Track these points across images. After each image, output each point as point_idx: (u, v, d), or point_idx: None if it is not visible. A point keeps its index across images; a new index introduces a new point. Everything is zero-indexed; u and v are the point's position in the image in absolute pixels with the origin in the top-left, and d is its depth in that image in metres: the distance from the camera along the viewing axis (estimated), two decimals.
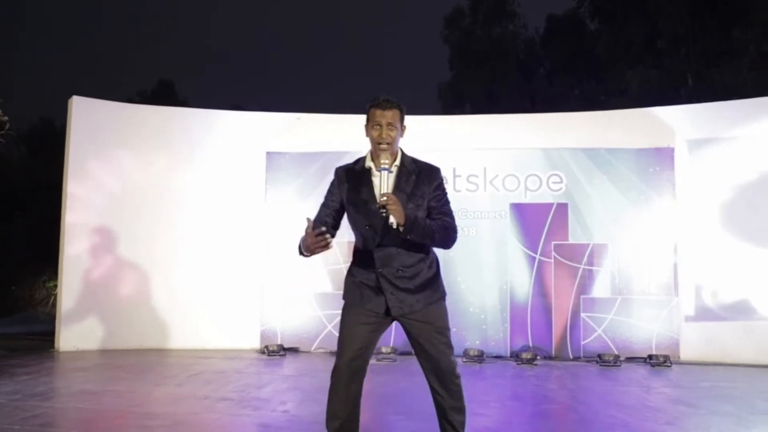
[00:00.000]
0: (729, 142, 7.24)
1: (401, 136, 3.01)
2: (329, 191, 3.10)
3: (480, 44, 22.41)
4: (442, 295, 3.06)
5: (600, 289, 7.18)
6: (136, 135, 7.80)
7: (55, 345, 7.35)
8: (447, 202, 3.05)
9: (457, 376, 3.02)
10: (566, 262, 7.24)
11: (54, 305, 8.96)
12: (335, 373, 2.94)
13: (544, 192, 7.38)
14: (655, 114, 7.66)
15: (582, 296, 7.18)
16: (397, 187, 2.91)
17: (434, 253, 3.08)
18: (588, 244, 7.24)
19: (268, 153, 7.76)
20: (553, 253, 7.26)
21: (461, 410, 3.05)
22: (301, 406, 4.70)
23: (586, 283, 7.20)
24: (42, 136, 17.13)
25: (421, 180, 2.96)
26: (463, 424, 3.06)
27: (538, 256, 7.28)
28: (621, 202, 7.26)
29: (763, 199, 7.03)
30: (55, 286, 8.75)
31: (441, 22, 23.26)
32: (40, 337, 8.11)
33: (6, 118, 6.54)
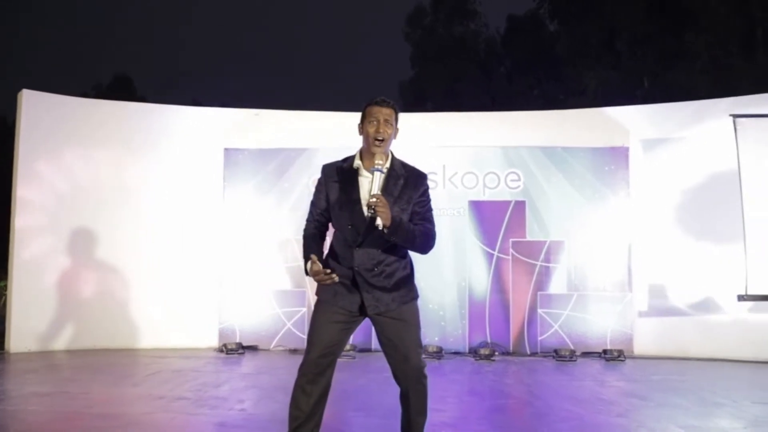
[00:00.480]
0: (681, 142, 7.44)
1: (394, 137, 3.05)
2: (317, 190, 3.10)
3: (441, 42, 22.55)
4: (416, 295, 3.10)
5: (557, 285, 7.30)
6: (91, 131, 7.60)
7: (5, 346, 7.14)
8: (430, 209, 3.08)
9: (425, 377, 3.04)
10: (524, 259, 7.35)
11: (4, 306, 8.70)
12: (302, 368, 2.95)
13: (502, 190, 7.48)
14: (610, 114, 7.83)
15: (539, 292, 7.30)
16: (386, 189, 2.92)
17: (410, 256, 3.12)
18: (545, 242, 7.36)
19: (226, 149, 7.68)
20: (511, 250, 7.36)
21: (423, 412, 3.06)
22: (259, 405, 4.68)
23: (543, 279, 7.32)
24: None
25: (409, 185, 3.00)
26: (422, 426, 3.08)
27: (496, 253, 7.37)
28: (577, 200, 7.39)
29: (712, 198, 7.24)
30: (5, 285, 8.50)
31: (403, 19, 23.34)
32: None
33: None
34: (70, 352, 7.07)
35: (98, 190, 7.53)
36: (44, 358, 6.79)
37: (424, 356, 6.79)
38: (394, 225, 2.81)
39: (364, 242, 2.92)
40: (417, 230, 2.95)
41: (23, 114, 7.39)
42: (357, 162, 3.03)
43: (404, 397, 3.04)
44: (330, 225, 3.09)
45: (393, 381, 5.65)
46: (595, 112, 8.02)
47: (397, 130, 3.06)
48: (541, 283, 7.31)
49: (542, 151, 7.53)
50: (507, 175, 7.50)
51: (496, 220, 7.41)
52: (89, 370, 6.07)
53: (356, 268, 2.93)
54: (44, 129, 7.44)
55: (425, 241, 3.00)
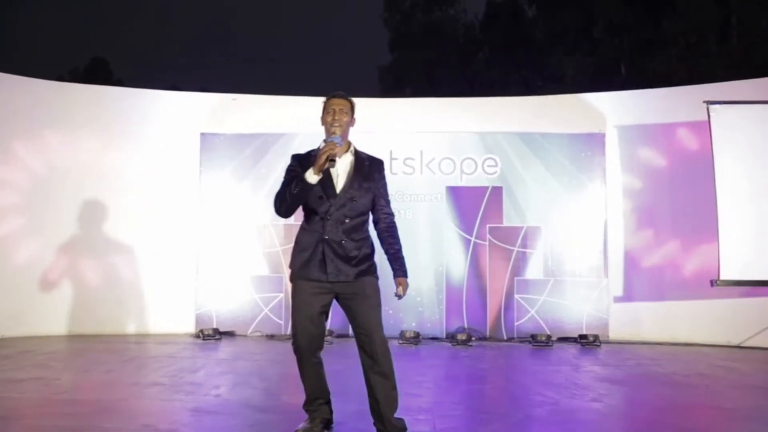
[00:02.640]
0: (657, 129, 7.50)
1: (351, 125, 3.44)
2: (291, 169, 3.36)
3: (420, 28, 22.46)
4: (376, 274, 3.40)
5: (533, 271, 7.35)
6: (67, 115, 7.49)
7: None
8: (388, 191, 3.55)
9: (389, 351, 3.30)
10: (501, 244, 7.38)
11: None
12: (298, 353, 3.33)
13: (479, 175, 7.49)
14: (587, 100, 7.86)
15: (516, 278, 7.34)
16: (357, 170, 3.35)
17: (371, 237, 3.44)
18: (522, 227, 7.39)
19: (202, 134, 7.59)
20: (488, 235, 7.39)
21: (393, 387, 3.28)
22: (234, 390, 4.65)
23: (519, 265, 7.36)
24: None
25: (373, 169, 3.42)
26: (391, 401, 3.26)
27: (473, 239, 7.39)
28: (554, 186, 7.43)
29: (686, 184, 7.32)
30: None
31: (381, 4, 23.19)
32: None
33: None
34: (44, 338, 6.97)
35: (73, 173, 7.42)
36: (17, 343, 6.68)
37: (401, 342, 6.90)
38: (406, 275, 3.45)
39: (334, 214, 3.25)
40: (400, 247, 3.48)
41: None
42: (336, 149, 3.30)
43: (371, 375, 3.25)
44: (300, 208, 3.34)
45: None
46: (573, 98, 8.06)
47: (353, 120, 3.47)
48: (518, 269, 7.35)
49: (519, 137, 7.54)
50: (484, 161, 7.50)
51: (473, 205, 7.42)
52: (63, 356, 6.01)
53: (325, 237, 3.24)
54: (17, 110, 7.32)
55: (400, 241, 3.53)
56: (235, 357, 6.10)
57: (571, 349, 6.79)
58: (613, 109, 7.69)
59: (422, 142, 7.54)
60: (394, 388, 3.28)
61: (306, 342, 3.29)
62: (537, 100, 8.32)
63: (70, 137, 7.48)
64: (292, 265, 3.35)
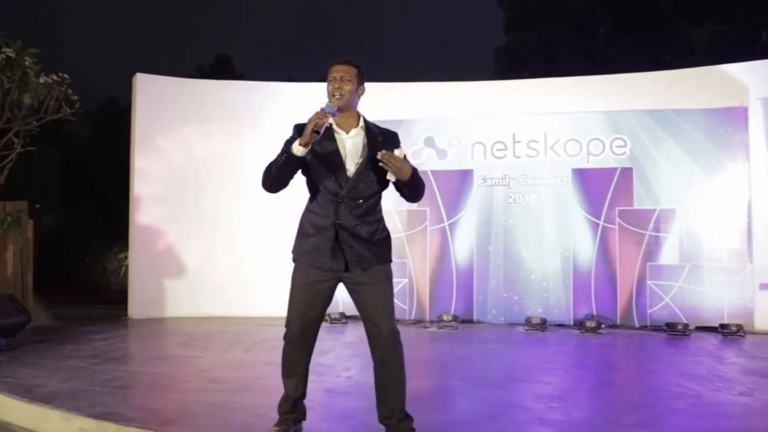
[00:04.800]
0: None
1: (358, 95, 3.04)
2: (289, 141, 3.02)
3: (536, 6, 21.76)
4: (391, 260, 3.09)
5: (667, 255, 6.96)
6: (199, 109, 7.97)
7: (128, 313, 7.66)
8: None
9: (400, 343, 2.98)
10: (631, 228, 7.04)
11: (125, 276, 9.31)
12: (287, 338, 3.10)
13: (607, 156, 7.17)
14: (725, 71, 7.30)
15: (648, 263, 6.98)
16: (370, 147, 2.96)
17: (384, 222, 3.11)
18: (654, 210, 7.01)
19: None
20: (618, 219, 7.07)
21: (399, 379, 2.99)
22: (364, 372, 4.73)
23: (652, 249, 6.99)
24: (107, 114, 17.63)
25: (386, 144, 2.97)
26: (402, 394, 2.99)
27: (601, 223, 7.10)
28: (689, 166, 6.98)
29: None
30: (126, 257, 9.08)
31: None
32: (114, 306, 8.47)
33: (76, 97, 6.77)
34: (184, 319, 7.47)
35: (206, 164, 7.91)
36: (161, 324, 7.22)
37: (526, 328, 6.79)
38: (415, 173, 2.90)
39: (346, 196, 2.93)
40: (419, 176, 2.98)
41: (138, 95, 7.90)
42: (330, 120, 2.94)
43: (378, 363, 2.99)
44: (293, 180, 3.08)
45: (496, 353, 5.61)
46: (709, 71, 7.51)
47: (362, 89, 3.06)
48: (651, 254, 6.98)
49: (650, 114, 7.14)
50: (612, 141, 7.17)
51: (601, 188, 7.12)
52: (202, 336, 6.39)
53: (338, 222, 2.94)
54: (157, 107, 7.90)
55: (423, 185, 3.04)
56: (362, 340, 6.15)
57: (712, 339, 6.37)
58: (756, 80, 7.09)
59: (546, 123, 7.32)
60: (402, 381, 2.99)
61: (299, 331, 3.05)
62: (667, 74, 7.80)
63: (202, 130, 7.95)
64: (295, 251, 3.09)
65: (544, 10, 21.75)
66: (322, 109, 2.84)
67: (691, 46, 17.89)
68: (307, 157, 2.97)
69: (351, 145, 2.98)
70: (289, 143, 2.98)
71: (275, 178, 3.01)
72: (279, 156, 2.96)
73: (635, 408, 3.84)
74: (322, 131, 2.83)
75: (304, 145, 2.85)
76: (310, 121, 2.82)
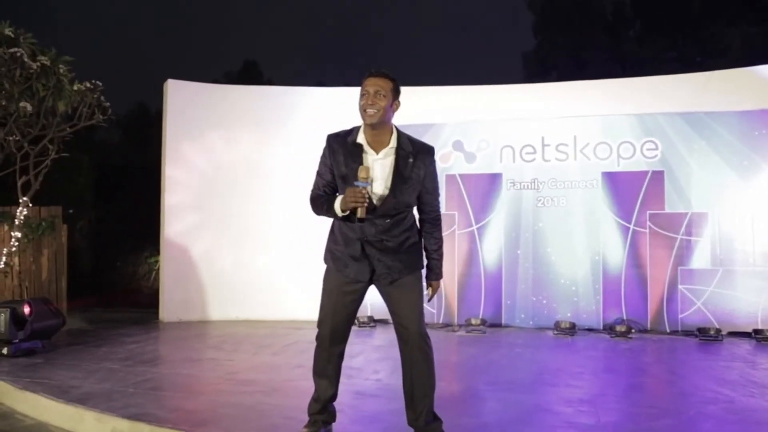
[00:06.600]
0: None
1: (393, 110, 2.94)
2: (322, 162, 3.06)
3: (565, 8, 21.61)
4: (423, 265, 3.12)
5: (699, 260, 6.86)
6: (227, 115, 8.06)
7: (159, 316, 7.79)
8: (437, 183, 3.11)
9: (429, 346, 2.99)
10: (662, 232, 6.95)
11: (156, 280, 9.46)
12: (319, 339, 3.13)
13: (638, 160, 7.10)
14: (759, 73, 7.19)
15: (680, 267, 6.88)
16: (397, 171, 2.90)
17: (417, 227, 3.11)
18: (686, 213, 6.91)
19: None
20: (648, 222, 6.99)
21: (428, 380, 2.99)
22: (393, 375, 4.76)
23: (684, 254, 6.89)
24: (137, 120, 17.97)
25: (418, 164, 2.94)
26: (431, 396, 3.00)
27: (632, 226, 7.02)
28: (722, 169, 6.87)
29: None
30: (156, 261, 9.23)
31: None
32: (145, 309, 8.62)
33: (108, 104, 6.93)
34: (214, 323, 7.57)
35: (234, 169, 8.00)
36: (192, 327, 7.32)
37: (555, 333, 6.73)
38: (440, 277, 3.19)
39: (372, 214, 2.89)
40: (439, 248, 3.12)
41: (169, 101, 8.00)
42: (360, 137, 2.95)
43: (406, 364, 3.00)
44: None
45: (524, 357, 5.59)
46: (743, 72, 7.38)
47: (397, 104, 2.96)
48: (682, 258, 6.88)
49: (682, 117, 7.05)
50: (643, 144, 7.10)
51: (631, 191, 7.05)
52: (232, 339, 6.47)
53: (366, 238, 2.93)
54: (188, 113, 8.01)
55: (441, 236, 3.17)
56: (391, 344, 6.20)
57: (745, 345, 6.26)
58: None
59: (575, 126, 7.27)
60: (429, 383, 2.99)
61: (329, 332, 3.06)
62: (699, 76, 7.69)
63: (230, 135, 8.04)
64: (326, 255, 3.12)
65: (574, 12, 21.59)
66: (357, 185, 2.80)
67: (724, 48, 17.60)
68: (338, 181, 3.00)
69: (379, 167, 2.91)
70: (322, 165, 3.03)
71: (320, 214, 3.09)
72: (323, 204, 3.01)
73: (666, 413, 3.80)
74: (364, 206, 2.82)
75: (344, 211, 2.89)
76: (349, 201, 2.81)
